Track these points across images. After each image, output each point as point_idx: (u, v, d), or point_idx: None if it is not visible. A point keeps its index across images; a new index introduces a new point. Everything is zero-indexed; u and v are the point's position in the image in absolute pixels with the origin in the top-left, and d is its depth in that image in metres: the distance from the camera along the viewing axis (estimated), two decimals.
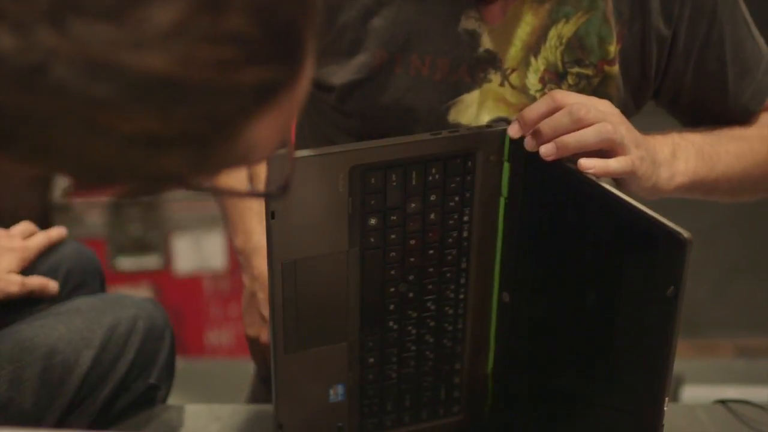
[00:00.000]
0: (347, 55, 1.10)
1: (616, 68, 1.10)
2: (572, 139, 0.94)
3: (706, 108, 1.18)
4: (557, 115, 0.95)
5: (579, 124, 0.94)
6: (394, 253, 0.98)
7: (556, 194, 0.96)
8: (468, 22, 1.08)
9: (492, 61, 1.08)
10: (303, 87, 0.62)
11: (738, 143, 1.15)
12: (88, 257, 1.28)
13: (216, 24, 0.55)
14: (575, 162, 0.93)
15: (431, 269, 1.00)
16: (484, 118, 1.09)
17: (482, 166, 0.98)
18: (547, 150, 0.94)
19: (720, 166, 1.12)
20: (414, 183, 0.96)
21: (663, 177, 1.03)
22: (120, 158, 0.57)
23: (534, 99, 1.08)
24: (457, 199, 0.99)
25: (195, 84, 0.55)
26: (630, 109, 1.13)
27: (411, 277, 1.00)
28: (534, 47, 1.08)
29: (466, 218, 1.00)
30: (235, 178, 0.73)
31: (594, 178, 0.91)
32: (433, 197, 0.97)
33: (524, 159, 0.97)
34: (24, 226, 1.24)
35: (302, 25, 0.60)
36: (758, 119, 1.20)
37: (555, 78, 1.09)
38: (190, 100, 0.56)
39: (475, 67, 1.08)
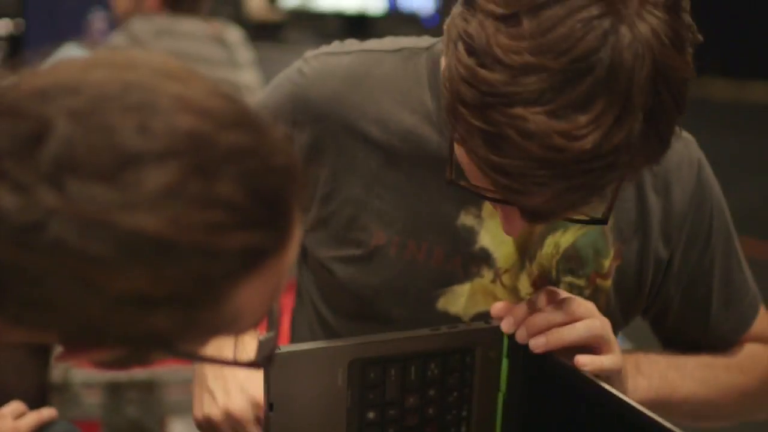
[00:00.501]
0: (345, 229, 1.11)
1: (608, 282, 1.11)
2: (564, 332, 0.95)
3: (688, 331, 1.20)
4: (550, 308, 0.97)
5: (570, 319, 0.96)
6: None
7: (555, 391, 0.97)
8: (467, 218, 1.09)
9: (486, 258, 1.09)
10: (290, 254, 0.64)
11: (703, 370, 1.16)
12: None
13: (206, 189, 0.58)
14: (571, 359, 0.94)
15: None
16: (472, 311, 1.10)
17: (481, 362, 0.99)
18: (537, 342, 0.95)
19: (683, 391, 1.12)
20: (413, 378, 0.96)
21: (628, 388, 1.04)
22: (109, 316, 0.59)
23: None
24: (455, 394, 0.99)
25: (184, 245, 0.57)
26: (618, 322, 1.13)
27: None
28: (530, 252, 1.09)
29: (464, 413, 1.00)
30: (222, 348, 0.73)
31: (591, 377, 0.92)
32: (431, 392, 0.98)
33: (523, 355, 0.97)
34: (15, 405, 1.23)
35: (290, 194, 0.62)
36: (730, 349, 1.21)
37: (546, 284, 1.07)
38: (179, 260, 0.58)
39: (469, 262, 1.09)
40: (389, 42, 1.15)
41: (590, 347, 0.97)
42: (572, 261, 1.10)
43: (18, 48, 3.27)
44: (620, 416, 0.87)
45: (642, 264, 1.12)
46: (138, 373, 2.18)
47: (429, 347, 0.97)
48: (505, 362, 0.99)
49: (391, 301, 1.11)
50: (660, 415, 0.83)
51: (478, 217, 1.09)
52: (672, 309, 1.18)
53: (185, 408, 2.18)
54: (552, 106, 0.80)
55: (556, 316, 0.96)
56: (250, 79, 2.43)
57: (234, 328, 0.65)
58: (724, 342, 1.20)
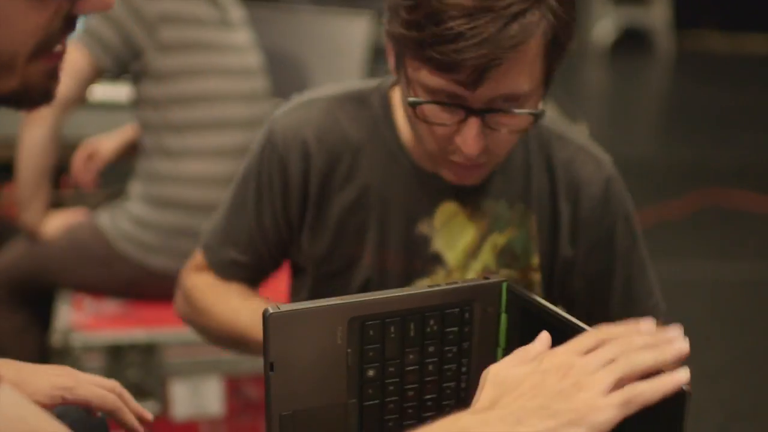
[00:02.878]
0: (329, 244, 1.36)
1: (538, 276, 1.36)
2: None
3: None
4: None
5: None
6: (392, 405, 0.98)
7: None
8: (423, 228, 1.34)
9: (440, 261, 1.34)
10: None
11: None
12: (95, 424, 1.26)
13: None
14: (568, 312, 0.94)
15: (429, 420, 1.00)
16: None
17: (480, 318, 0.99)
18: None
19: None
20: (412, 334, 0.97)
21: None
22: None
23: None
24: (455, 349, 0.99)
25: None
26: None
27: (409, 428, 0.99)
28: (473, 253, 1.34)
29: (464, 369, 1.00)
30: None
31: (589, 329, 0.92)
32: (431, 348, 0.98)
33: (521, 310, 0.98)
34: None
35: None
36: None
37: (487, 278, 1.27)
38: None
39: (426, 264, 1.34)
40: (338, 89, 1.39)
41: None
42: (507, 256, 1.34)
43: None
44: None
45: (554, 262, 1.36)
46: (138, 336, 2.19)
47: (428, 304, 0.97)
48: (503, 317, 0.99)
49: None
50: None
51: (431, 227, 1.34)
52: (577, 303, 1.38)
53: (186, 370, 2.19)
54: None
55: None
56: (243, 38, 2.42)
57: None
58: None
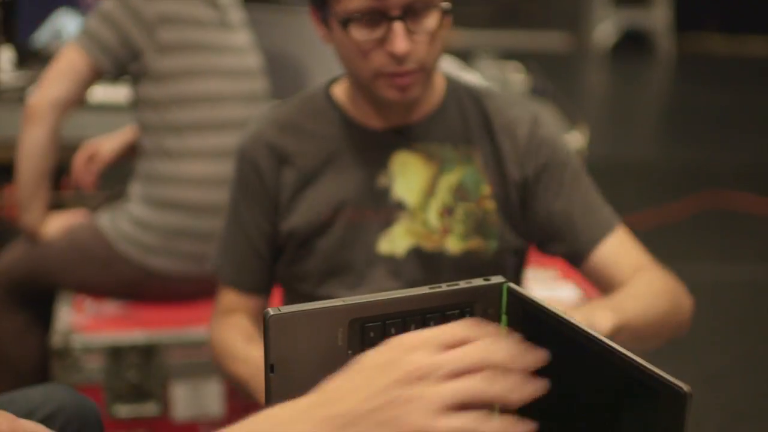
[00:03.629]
0: (303, 216, 1.55)
1: (492, 204, 1.54)
2: None
3: (564, 242, 1.54)
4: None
5: None
6: None
7: (554, 347, 0.96)
8: (381, 181, 1.54)
9: (402, 206, 1.54)
10: None
11: (641, 299, 1.40)
12: (88, 407, 1.26)
13: None
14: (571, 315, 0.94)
15: None
16: (402, 245, 1.53)
17: (480, 319, 0.99)
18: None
19: (635, 317, 1.31)
20: None
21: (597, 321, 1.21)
22: None
23: (433, 229, 1.53)
24: None
25: None
26: (511, 240, 1.56)
27: None
28: (430, 192, 1.54)
29: None
30: None
31: (591, 331, 0.92)
32: None
33: (521, 311, 0.97)
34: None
35: None
36: (641, 277, 1.48)
37: (447, 213, 1.54)
38: None
39: (392, 212, 1.54)
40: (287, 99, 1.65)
41: None
42: (462, 191, 1.54)
43: (11, 14, 3.25)
44: (618, 368, 0.87)
45: (506, 187, 1.54)
46: (139, 337, 2.19)
47: (428, 305, 0.96)
48: (503, 318, 0.99)
49: (347, 254, 1.54)
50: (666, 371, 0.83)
51: (389, 177, 1.54)
52: (546, 228, 1.54)
53: (186, 371, 2.19)
54: None
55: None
56: (243, 40, 2.42)
57: None
58: (593, 244, 1.52)
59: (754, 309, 3.73)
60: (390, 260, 1.54)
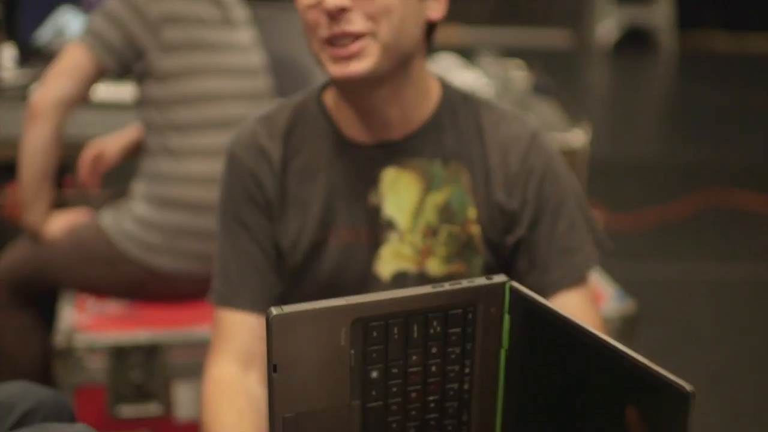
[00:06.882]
0: (296, 232, 1.48)
1: (477, 228, 1.47)
2: None
3: (532, 273, 1.47)
4: None
5: None
6: (395, 406, 0.98)
7: (557, 346, 0.97)
8: (372, 198, 1.47)
9: (392, 225, 1.47)
10: None
11: None
12: (62, 402, 1.28)
13: None
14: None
15: (432, 422, 1.00)
16: (389, 268, 1.47)
17: (483, 318, 0.99)
18: None
19: None
20: (415, 335, 0.96)
21: None
22: None
23: (419, 251, 1.46)
24: (458, 351, 0.99)
25: None
26: (493, 267, 1.48)
27: (413, 430, 0.99)
28: (418, 212, 1.47)
29: (467, 370, 1.00)
30: None
31: (594, 331, 0.92)
32: (434, 349, 0.98)
33: (525, 311, 0.97)
34: None
35: None
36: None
37: (431, 233, 1.47)
38: None
39: (382, 231, 1.47)
40: (278, 102, 1.56)
41: None
42: (447, 212, 1.46)
43: (13, 12, 3.25)
44: (621, 368, 0.87)
45: (492, 212, 1.47)
46: (142, 336, 2.19)
47: (431, 304, 0.96)
48: (506, 318, 0.99)
49: (342, 275, 1.47)
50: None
51: (379, 195, 1.46)
52: (520, 254, 1.48)
53: (190, 371, 2.19)
54: None
55: None
56: (246, 38, 2.42)
57: None
58: (558, 286, 1.46)
59: (757, 307, 3.73)
60: (378, 283, 1.47)
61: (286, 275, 1.51)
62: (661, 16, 9.14)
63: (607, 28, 9.15)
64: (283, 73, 2.78)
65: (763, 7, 9.29)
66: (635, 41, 9.09)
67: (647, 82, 8.51)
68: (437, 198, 1.47)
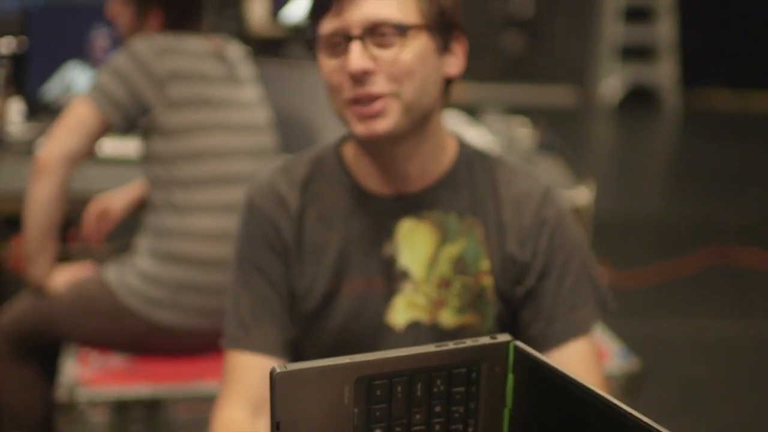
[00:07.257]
0: (310, 279, 1.50)
1: (490, 280, 1.50)
2: None
3: (534, 324, 1.50)
4: None
5: None
6: None
7: (561, 406, 0.96)
8: (387, 248, 1.50)
9: (407, 276, 1.49)
10: None
11: None
12: None
13: None
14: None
15: None
16: (402, 318, 1.49)
17: (487, 377, 0.98)
18: None
19: None
20: (419, 394, 0.96)
21: None
22: None
23: (432, 301, 1.49)
24: (461, 409, 0.98)
25: None
26: (505, 318, 1.51)
27: None
28: (432, 264, 1.49)
29: (470, 429, 0.99)
30: None
31: (599, 392, 0.91)
32: (437, 408, 0.97)
33: (529, 370, 0.97)
34: None
35: None
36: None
37: (444, 285, 1.49)
38: None
39: (397, 282, 1.49)
40: (297, 154, 1.59)
41: None
42: (461, 264, 1.49)
43: (22, 66, 3.28)
44: (625, 428, 0.86)
45: (504, 263, 1.50)
46: (144, 391, 2.18)
47: (435, 363, 0.96)
48: (510, 377, 0.99)
49: (354, 325, 1.49)
50: None
51: (394, 245, 1.49)
52: (526, 305, 1.50)
53: (191, 426, 2.18)
54: None
55: None
56: (251, 95, 2.44)
57: None
58: (561, 339, 1.48)
59: (763, 366, 3.71)
60: (391, 333, 1.49)
61: (300, 321, 1.52)
62: (665, 74, 9.21)
63: (611, 86, 9.21)
64: (289, 129, 2.80)
65: (766, 66, 9.35)
66: (639, 99, 9.15)
67: (651, 139, 8.54)
68: (452, 250, 1.50)
